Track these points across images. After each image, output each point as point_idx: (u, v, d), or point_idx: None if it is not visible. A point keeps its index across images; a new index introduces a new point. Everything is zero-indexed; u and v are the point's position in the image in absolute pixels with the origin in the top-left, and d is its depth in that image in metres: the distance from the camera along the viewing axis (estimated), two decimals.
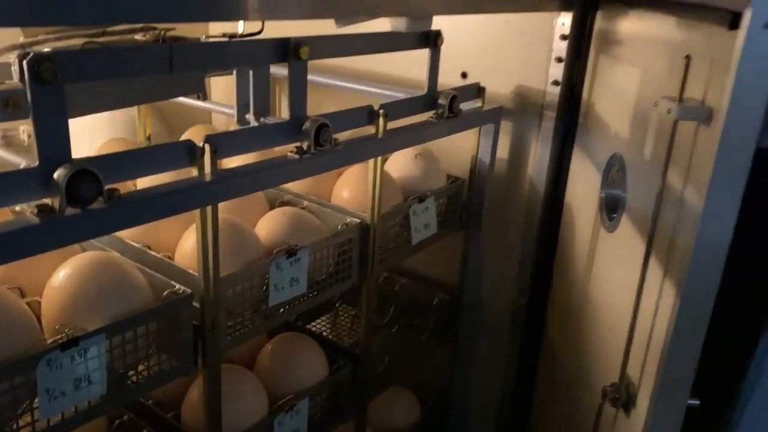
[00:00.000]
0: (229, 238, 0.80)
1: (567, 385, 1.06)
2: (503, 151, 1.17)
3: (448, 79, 1.13)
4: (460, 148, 1.16)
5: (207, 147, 0.68)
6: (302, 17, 0.64)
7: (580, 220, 1.07)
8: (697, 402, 0.78)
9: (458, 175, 1.17)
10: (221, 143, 0.70)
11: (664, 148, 0.71)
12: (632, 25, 0.89)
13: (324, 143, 0.79)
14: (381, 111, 0.89)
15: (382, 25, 0.91)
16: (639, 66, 0.85)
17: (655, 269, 0.74)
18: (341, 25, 0.88)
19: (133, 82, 0.75)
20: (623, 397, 0.78)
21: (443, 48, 1.00)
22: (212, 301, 0.75)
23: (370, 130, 0.90)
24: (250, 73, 0.81)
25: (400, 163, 1.12)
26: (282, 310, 0.88)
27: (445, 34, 0.98)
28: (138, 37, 0.77)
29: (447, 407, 1.31)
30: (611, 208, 0.91)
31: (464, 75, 1.17)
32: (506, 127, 1.16)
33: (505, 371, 1.27)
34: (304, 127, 0.78)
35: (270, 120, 0.81)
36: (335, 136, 0.82)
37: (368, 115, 0.89)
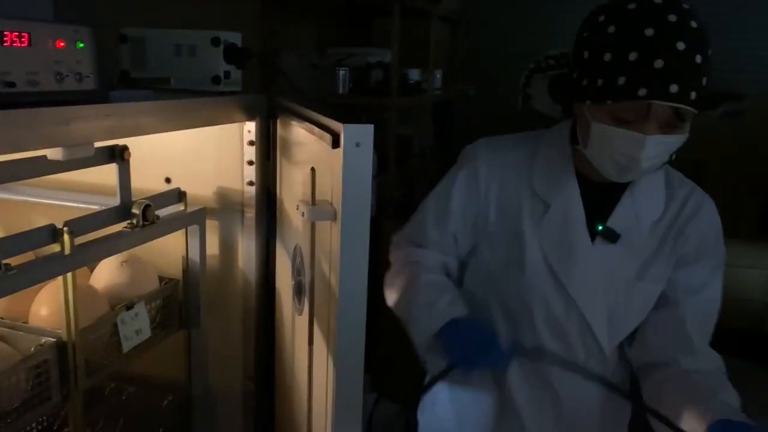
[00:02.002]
0: None
1: None
2: (213, 247, 1.24)
3: (153, 184, 1.18)
4: (171, 248, 1.20)
5: None
6: None
7: (285, 306, 1.16)
8: None
9: (173, 275, 1.21)
10: None
11: (310, 242, 0.84)
12: (294, 134, 1.03)
13: None
14: (65, 228, 0.90)
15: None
16: (299, 169, 0.98)
17: (319, 345, 0.85)
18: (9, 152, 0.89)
19: None
20: None
21: (146, 155, 1.06)
22: None
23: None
24: None
25: (106, 272, 1.13)
26: None
27: (146, 143, 1.03)
28: None
29: None
30: (299, 293, 1.01)
31: (168, 180, 1.23)
32: (213, 226, 1.23)
33: None
34: None
35: None
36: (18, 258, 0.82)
37: (51, 233, 0.90)
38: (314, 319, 0.87)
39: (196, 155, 1.22)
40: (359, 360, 0.78)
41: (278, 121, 1.16)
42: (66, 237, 0.90)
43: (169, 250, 1.20)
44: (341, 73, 2.59)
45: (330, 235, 0.80)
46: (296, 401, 1.04)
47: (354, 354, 0.78)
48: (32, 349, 0.93)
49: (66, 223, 0.91)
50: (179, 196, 1.15)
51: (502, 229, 1.11)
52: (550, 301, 1.07)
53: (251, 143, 1.17)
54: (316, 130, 0.80)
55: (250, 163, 1.18)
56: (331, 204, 0.79)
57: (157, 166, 1.21)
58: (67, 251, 0.90)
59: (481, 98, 3.63)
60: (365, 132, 0.72)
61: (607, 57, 0.92)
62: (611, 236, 1.05)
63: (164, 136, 1.18)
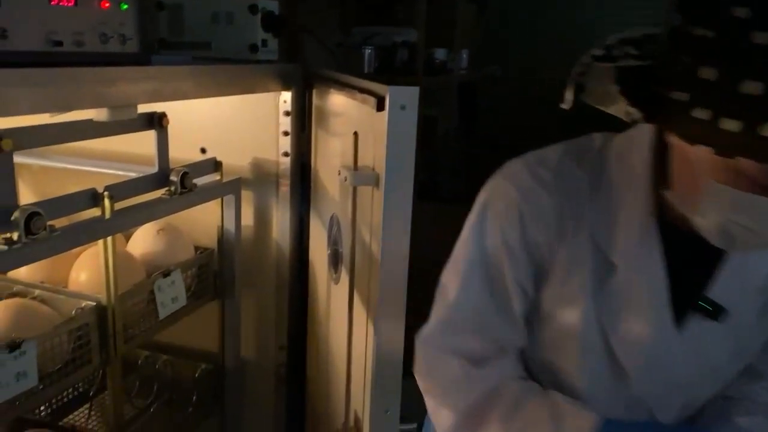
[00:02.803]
0: None
1: (323, 430, 1.13)
2: (248, 218, 1.24)
3: (189, 154, 1.18)
4: (206, 219, 1.20)
5: None
6: None
7: (319, 276, 1.17)
8: (414, 426, 0.89)
9: (207, 246, 1.22)
10: None
11: (351, 208, 0.83)
12: (332, 103, 1.03)
13: (37, 231, 0.79)
14: (106, 193, 0.91)
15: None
16: (338, 138, 0.98)
17: (359, 312, 0.85)
18: (56, 113, 0.90)
19: None
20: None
21: (182, 126, 1.06)
22: None
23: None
24: None
25: (143, 240, 1.13)
26: (11, 407, 0.84)
27: (182, 112, 1.04)
28: None
29: None
30: (335, 263, 1.01)
31: (203, 150, 1.23)
32: (248, 197, 1.23)
33: (274, 429, 1.31)
34: (12, 218, 0.77)
35: None
36: (61, 221, 0.83)
37: (92, 198, 0.90)
38: (354, 286, 0.87)
39: (232, 126, 1.22)
40: (399, 326, 0.78)
41: (314, 91, 1.15)
42: (107, 201, 0.91)
43: (203, 221, 1.20)
44: (367, 52, 2.57)
45: (372, 201, 0.79)
46: (331, 370, 1.05)
47: (394, 320, 0.78)
48: (73, 312, 0.94)
49: (106, 188, 0.92)
50: (215, 165, 1.15)
51: (555, 290, 0.82)
52: (608, 398, 0.82)
53: (287, 114, 1.16)
54: (359, 94, 0.79)
55: (286, 134, 1.18)
56: (374, 169, 0.78)
57: (193, 137, 1.22)
58: (107, 215, 0.91)
59: (507, 79, 3.59)
60: (411, 94, 0.71)
61: (751, 88, 0.56)
62: (714, 312, 0.76)
63: (200, 107, 1.18)
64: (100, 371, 1.25)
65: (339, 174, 0.80)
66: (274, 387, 1.30)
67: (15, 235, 0.77)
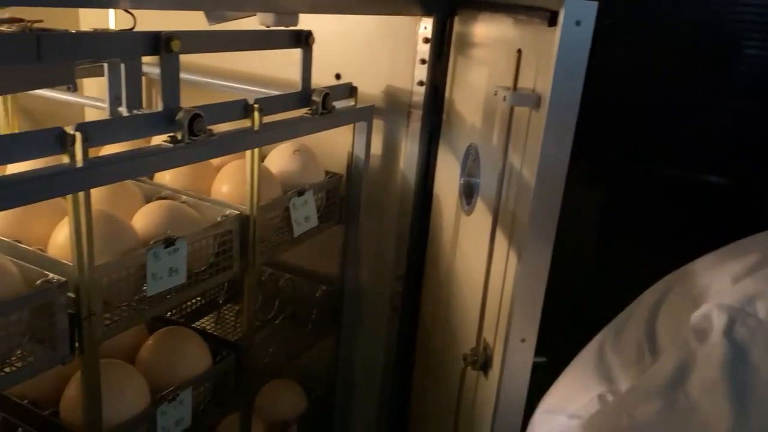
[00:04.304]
0: (103, 229, 0.81)
1: (438, 357, 1.14)
2: (377, 147, 1.25)
3: (323, 80, 1.19)
4: (336, 145, 1.22)
5: (78, 135, 0.70)
6: (169, 7, 0.68)
7: (445, 208, 1.16)
8: (544, 359, 0.88)
9: (336, 171, 1.23)
10: (92, 131, 0.72)
11: (504, 133, 0.81)
12: (481, 27, 0.99)
13: (198, 133, 0.82)
14: (256, 105, 0.93)
15: (252, 25, 0.95)
16: (486, 63, 0.95)
17: (501, 241, 0.83)
18: (213, 22, 0.93)
19: None
20: (481, 359, 0.87)
21: (318, 51, 1.07)
22: (87, 289, 0.76)
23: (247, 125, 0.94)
24: (122, 66, 0.83)
25: (279, 159, 1.16)
26: (161, 300, 0.89)
27: (319, 38, 1.04)
28: (3, 28, 0.76)
29: (332, 396, 1.36)
30: (468, 194, 1.00)
31: (338, 76, 1.24)
32: (378, 125, 1.23)
33: (385, 355, 1.34)
34: (177, 117, 0.81)
35: (143, 111, 0.83)
36: (213, 129, 0.86)
37: (243, 108, 0.93)
38: (498, 215, 0.85)
39: (367, 53, 1.21)
40: (546, 256, 0.77)
41: (456, 18, 1.12)
42: (256, 113, 0.93)
43: (334, 146, 1.22)
44: None
45: (528, 124, 0.77)
46: (455, 300, 1.05)
47: (542, 250, 0.76)
48: (218, 218, 0.98)
49: (256, 101, 0.94)
50: (351, 91, 1.16)
51: None
52: None
53: (426, 41, 1.14)
54: (525, 10, 0.76)
55: (423, 62, 1.16)
56: (534, 91, 0.75)
57: (328, 62, 1.22)
58: (256, 127, 0.94)
59: (623, 27, 3.37)
60: (588, 9, 0.68)
61: None
62: None
63: (338, 33, 1.19)
64: (226, 283, 1.33)
65: (496, 94, 0.78)
66: (388, 315, 1.32)
67: (179, 135, 0.81)
